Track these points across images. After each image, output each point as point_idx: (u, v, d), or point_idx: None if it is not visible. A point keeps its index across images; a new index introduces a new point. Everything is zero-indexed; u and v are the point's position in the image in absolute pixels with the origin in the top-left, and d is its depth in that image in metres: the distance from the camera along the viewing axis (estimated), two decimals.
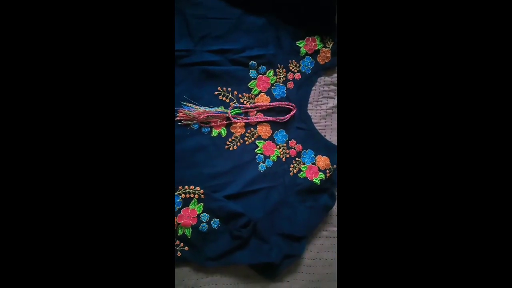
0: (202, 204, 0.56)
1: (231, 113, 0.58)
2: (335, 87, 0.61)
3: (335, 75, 0.61)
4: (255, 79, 0.60)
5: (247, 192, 0.56)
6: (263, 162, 0.58)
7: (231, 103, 0.60)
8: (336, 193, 0.57)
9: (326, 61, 0.60)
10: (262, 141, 0.59)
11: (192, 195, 0.56)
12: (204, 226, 0.55)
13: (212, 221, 0.56)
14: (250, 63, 0.60)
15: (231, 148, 0.59)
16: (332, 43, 0.59)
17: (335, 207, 0.57)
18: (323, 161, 0.58)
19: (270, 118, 0.58)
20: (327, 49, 0.60)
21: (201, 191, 0.56)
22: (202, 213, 0.56)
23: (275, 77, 0.60)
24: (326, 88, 0.61)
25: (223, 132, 0.59)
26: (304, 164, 0.58)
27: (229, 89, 0.60)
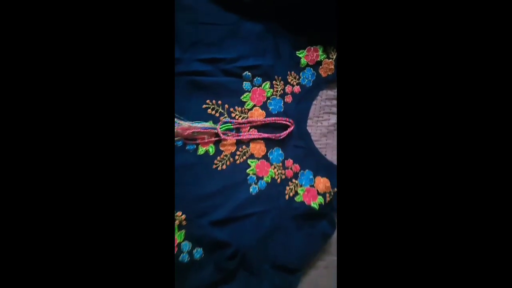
0: (183, 231, 0.52)
1: (220, 129, 0.54)
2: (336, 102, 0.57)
3: None
4: (249, 91, 0.56)
5: (237, 217, 0.52)
6: (256, 184, 0.54)
7: (221, 118, 0.55)
8: (336, 220, 0.53)
9: (329, 73, 0.56)
10: (255, 160, 0.54)
11: None
12: (184, 257, 0.51)
13: (195, 251, 0.51)
14: (244, 74, 0.55)
15: (219, 168, 0.54)
16: (336, 54, 0.55)
17: (334, 235, 0.53)
18: (322, 183, 0.54)
19: (265, 135, 0.54)
20: (330, 60, 0.55)
21: (183, 216, 0.52)
22: (183, 241, 0.51)
23: (271, 90, 0.56)
24: (328, 103, 0.57)
25: (211, 150, 0.55)
26: (301, 186, 0.54)
27: (220, 102, 0.55)
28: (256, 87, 0.56)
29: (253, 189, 0.54)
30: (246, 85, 0.56)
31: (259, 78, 0.56)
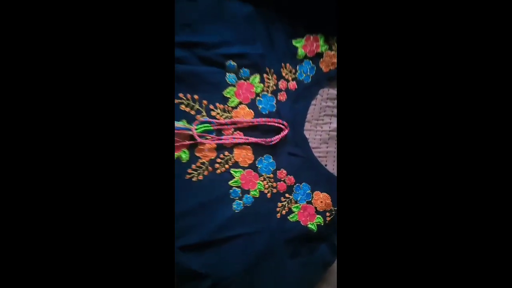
0: None
1: (196, 130, 0.49)
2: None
3: None
4: (234, 85, 0.50)
5: (216, 241, 0.48)
6: (240, 199, 0.50)
7: (197, 117, 0.50)
8: (335, 245, 0.50)
9: (331, 68, 0.51)
10: (240, 169, 0.50)
11: None
12: None
13: None
14: (228, 63, 0.49)
15: (194, 179, 0.49)
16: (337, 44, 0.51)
17: (335, 263, 0.49)
18: (322, 199, 0.51)
19: (253, 140, 0.49)
20: (333, 52, 0.51)
21: None
22: None
23: (261, 85, 0.51)
24: (330, 104, 0.52)
25: (184, 156, 0.50)
26: (296, 203, 0.51)
27: (196, 96, 0.50)
28: (242, 81, 0.51)
29: (237, 205, 0.50)
30: (230, 77, 0.50)
31: (246, 70, 0.50)
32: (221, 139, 0.49)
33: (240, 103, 0.50)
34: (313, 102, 0.52)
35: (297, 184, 0.50)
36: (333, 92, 0.52)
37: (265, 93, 0.51)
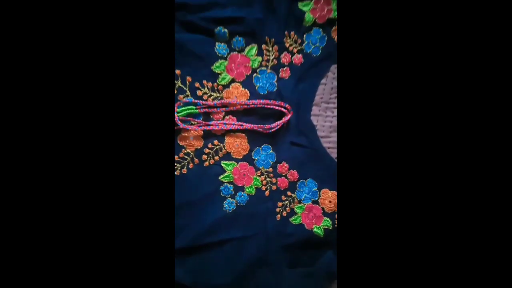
0: None
1: (178, 113, 0.44)
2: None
3: None
4: (225, 58, 0.45)
5: (203, 246, 0.44)
6: (232, 197, 0.46)
7: (180, 97, 0.46)
8: None
9: None
10: (233, 162, 0.46)
11: None
12: None
13: None
14: (218, 30, 0.44)
15: (177, 172, 0.46)
16: None
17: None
18: (331, 198, 0.46)
19: (248, 126, 0.44)
20: None
21: None
22: None
23: (259, 58, 0.45)
24: None
25: None
26: (300, 202, 0.46)
27: (178, 72, 0.45)
28: (236, 53, 0.45)
29: (229, 204, 0.45)
30: (220, 47, 0.45)
31: (240, 39, 0.45)
32: (210, 125, 0.43)
33: (233, 80, 0.45)
34: (323, 81, 0.46)
35: (301, 180, 0.46)
36: None
37: (264, 68, 0.45)
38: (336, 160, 0.47)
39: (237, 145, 0.44)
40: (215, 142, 0.45)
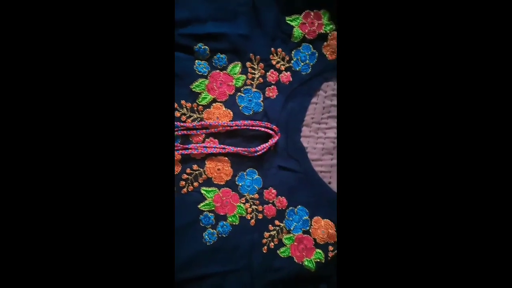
0: None
1: None
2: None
3: None
4: (206, 77, 0.44)
5: (181, 282, 0.42)
6: (213, 228, 0.44)
7: None
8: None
9: None
10: (214, 188, 0.44)
11: None
12: None
13: None
14: (198, 47, 0.43)
15: None
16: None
17: None
18: (324, 228, 0.44)
19: (231, 149, 0.43)
20: None
21: None
22: None
23: (243, 77, 0.44)
24: (336, 102, 0.46)
25: None
26: (289, 232, 0.44)
27: None
28: (217, 71, 0.44)
29: (209, 236, 0.43)
30: (200, 65, 0.44)
31: (222, 56, 0.44)
32: (188, 148, 0.42)
33: (214, 100, 0.44)
34: (314, 100, 0.45)
35: (290, 208, 0.44)
36: None
37: (249, 87, 0.44)
38: (329, 184, 0.44)
39: (218, 169, 0.42)
40: (194, 167, 0.43)
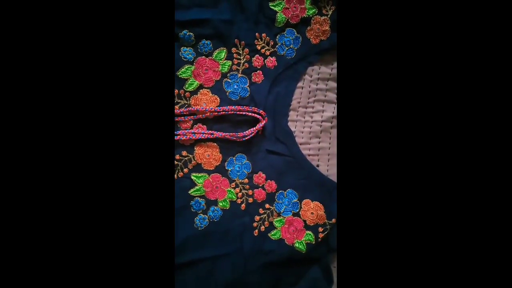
0: None
1: None
2: (336, 85, 0.47)
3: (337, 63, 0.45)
4: (191, 63, 0.44)
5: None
6: (204, 213, 0.44)
7: None
8: (332, 268, 0.44)
9: (322, 38, 0.44)
10: (204, 174, 0.44)
11: None
12: None
13: None
14: (182, 33, 0.42)
15: None
16: (333, 8, 0.43)
17: None
18: (313, 210, 0.44)
19: (219, 134, 0.43)
20: (323, 18, 0.44)
21: None
22: None
23: (229, 62, 0.44)
24: (322, 86, 0.46)
25: None
26: (279, 215, 0.44)
27: None
28: (203, 57, 0.44)
29: (200, 221, 0.43)
30: (185, 52, 0.43)
31: (208, 42, 0.43)
32: (177, 135, 0.41)
33: (201, 86, 0.43)
34: (300, 84, 0.45)
35: (280, 191, 0.44)
36: (326, 70, 0.44)
37: (235, 72, 0.44)
38: (318, 167, 0.45)
39: (208, 155, 0.42)
40: (183, 153, 0.42)
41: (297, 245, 0.42)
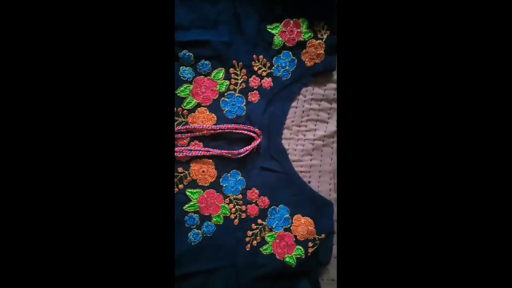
0: None
1: None
2: (329, 105, 0.47)
3: (331, 85, 0.46)
4: (190, 82, 0.44)
5: None
6: (198, 228, 0.44)
7: None
8: (321, 280, 0.45)
9: (317, 61, 0.45)
10: (199, 190, 0.44)
11: None
12: None
13: None
14: (182, 54, 0.43)
15: None
16: (328, 32, 0.44)
17: None
18: (304, 225, 0.45)
19: (215, 151, 0.43)
20: (318, 41, 0.44)
21: None
22: None
23: (227, 82, 0.44)
24: (315, 106, 0.47)
25: None
26: (271, 230, 0.45)
27: None
28: (201, 76, 0.44)
29: (194, 236, 0.43)
30: (184, 71, 0.44)
31: (206, 63, 0.44)
32: (174, 151, 0.41)
33: (199, 105, 0.43)
34: (294, 104, 0.45)
35: (272, 207, 0.44)
36: (319, 91, 0.45)
37: (232, 92, 0.44)
38: (309, 184, 0.46)
39: (203, 171, 0.42)
40: (179, 169, 0.42)
41: (287, 259, 0.43)
